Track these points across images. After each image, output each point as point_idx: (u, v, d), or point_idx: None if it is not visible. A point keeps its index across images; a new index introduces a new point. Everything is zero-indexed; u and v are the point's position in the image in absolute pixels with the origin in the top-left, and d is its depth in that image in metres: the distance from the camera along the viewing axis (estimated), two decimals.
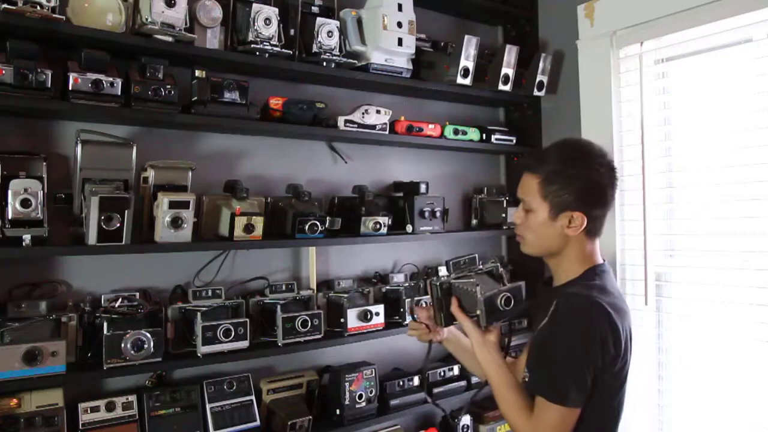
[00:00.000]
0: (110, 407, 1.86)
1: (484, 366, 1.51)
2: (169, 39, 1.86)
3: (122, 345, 1.76)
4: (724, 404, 2.21)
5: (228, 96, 1.97)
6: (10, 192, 1.65)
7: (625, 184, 2.50)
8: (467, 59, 2.41)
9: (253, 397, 2.08)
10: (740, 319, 2.16)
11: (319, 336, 2.12)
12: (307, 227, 2.07)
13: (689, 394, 2.34)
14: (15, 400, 1.71)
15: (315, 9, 2.20)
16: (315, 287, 2.32)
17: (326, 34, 2.14)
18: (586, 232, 1.47)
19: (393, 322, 2.34)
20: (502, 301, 1.47)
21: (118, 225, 1.75)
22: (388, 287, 2.44)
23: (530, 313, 1.74)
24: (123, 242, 1.77)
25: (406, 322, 2.30)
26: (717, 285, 2.24)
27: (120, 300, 1.90)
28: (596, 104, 2.56)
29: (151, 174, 1.92)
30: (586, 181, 1.45)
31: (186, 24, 1.88)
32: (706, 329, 2.28)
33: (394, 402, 2.32)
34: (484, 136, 2.63)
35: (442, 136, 2.50)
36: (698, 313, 2.30)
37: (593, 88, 2.58)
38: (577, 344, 1.36)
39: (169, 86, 1.84)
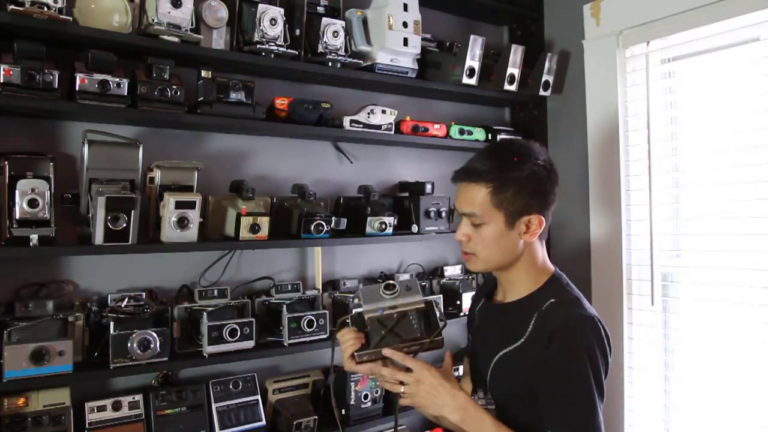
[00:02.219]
0: (117, 406, 1.86)
1: None
2: (175, 39, 1.87)
3: (129, 344, 1.77)
4: (731, 405, 2.20)
5: (234, 96, 1.97)
6: (17, 192, 1.65)
7: (632, 184, 2.49)
8: (473, 59, 2.41)
9: (258, 397, 2.09)
10: (747, 319, 2.15)
11: (324, 336, 2.12)
12: (312, 227, 2.07)
13: (696, 394, 2.33)
14: (22, 399, 1.72)
15: (320, 9, 2.20)
16: (320, 287, 2.32)
17: (332, 34, 2.14)
18: (539, 235, 1.40)
19: None
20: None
21: (125, 225, 1.75)
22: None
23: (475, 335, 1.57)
24: (129, 242, 1.77)
25: None
26: (724, 285, 2.22)
27: (126, 300, 1.91)
28: (602, 104, 2.56)
29: (157, 174, 1.93)
30: (537, 182, 1.37)
31: (192, 24, 1.88)
32: (713, 330, 2.27)
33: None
34: (489, 136, 2.62)
35: (447, 136, 2.50)
36: (705, 314, 2.29)
37: (599, 87, 2.57)
38: (595, 371, 1.27)
39: (175, 87, 1.85)
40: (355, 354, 1.37)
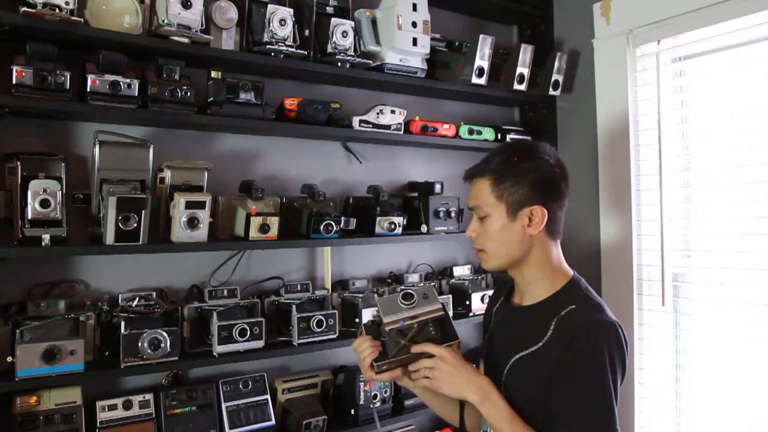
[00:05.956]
0: (127, 405, 1.88)
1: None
2: (185, 40, 1.87)
3: (139, 344, 1.78)
4: (742, 407, 2.18)
5: (243, 97, 1.98)
6: (29, 192, 1.67)
7: (642, 183, 2.47)
8: (482, 59, 2.40)
9: (268, 397, 2.10)
10: (759, 320, 2.13)
11: (333, 336, 2.12)
12: (322, 227, 2.07)
13: (707, 396, 2.31)
14: (34, 398, 1.73)
15: (330, 9, 2.20)
16: (330, 287, 2.32)
17: (341, 34, 2.14)
18: (547, 231, 1.39)
19: None
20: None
21: (135, 225, 1.77)
22: (402, 287, 2.44)
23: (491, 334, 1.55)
24: (140, 242, 1.79)
25: None
26: (735, 286, 2.21)
27: (137, 299, 1.93)
28: (612, 103, 2.54)
29: (167, 174, 1.94)
30: (538, 173, 1.37)
31: (202, 25, 1.89)
32: (724, 330, 2.25)
33: (408, 402, 2.32)
34: (499, 135, 2.62)
35: (456, 135, 2.49)
36: (716, 314, 2.27)
37: (609, 87, 2.56)
38: (613, 375, 1.27)
39: (185, 87, 1.86)
40: (375, 364, 1.37)
